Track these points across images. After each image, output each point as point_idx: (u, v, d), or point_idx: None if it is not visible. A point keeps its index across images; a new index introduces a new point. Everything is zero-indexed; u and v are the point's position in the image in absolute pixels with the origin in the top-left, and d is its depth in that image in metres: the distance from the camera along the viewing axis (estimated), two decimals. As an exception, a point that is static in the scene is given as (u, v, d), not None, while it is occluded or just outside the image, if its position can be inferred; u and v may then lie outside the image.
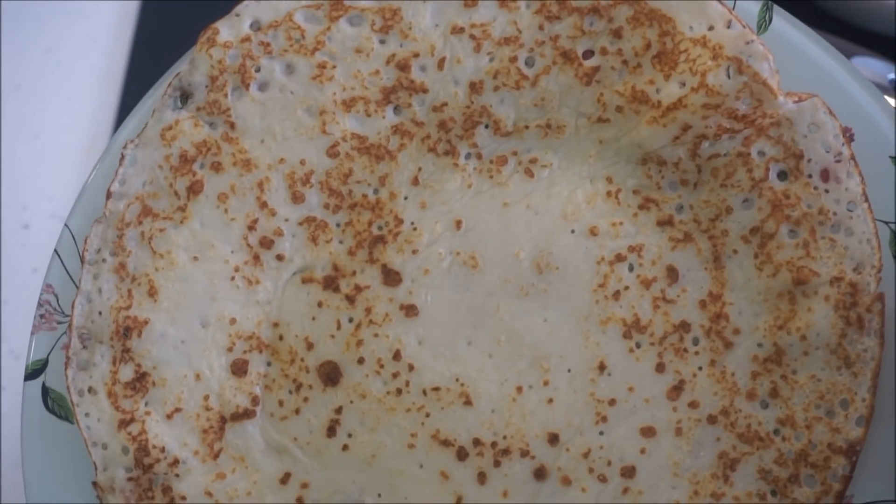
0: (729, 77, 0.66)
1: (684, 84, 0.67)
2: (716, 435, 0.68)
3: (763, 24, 0.69)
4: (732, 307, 0.68)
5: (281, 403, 0.72)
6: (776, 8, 0.69)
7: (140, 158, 0.71)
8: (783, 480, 0.67)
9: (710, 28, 0.67)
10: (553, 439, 0.69)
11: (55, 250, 0.72)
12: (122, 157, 0.71)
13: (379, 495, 0.71)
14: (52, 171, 1.05)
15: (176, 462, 0.70)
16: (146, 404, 0.71)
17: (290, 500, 0.71)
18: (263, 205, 0.72)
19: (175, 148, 0.71)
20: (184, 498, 0.70)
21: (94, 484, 0.70)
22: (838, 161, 0.66)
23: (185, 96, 0.72)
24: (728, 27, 0.67)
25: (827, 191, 0.66)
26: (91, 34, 1.17)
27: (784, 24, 0.69)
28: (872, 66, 0.89)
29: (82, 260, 0.70)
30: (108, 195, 0.70)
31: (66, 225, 0.72)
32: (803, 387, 0.66)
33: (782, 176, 0.67)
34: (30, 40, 1.16)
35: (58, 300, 0.73)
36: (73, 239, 0.72)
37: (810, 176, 0.66)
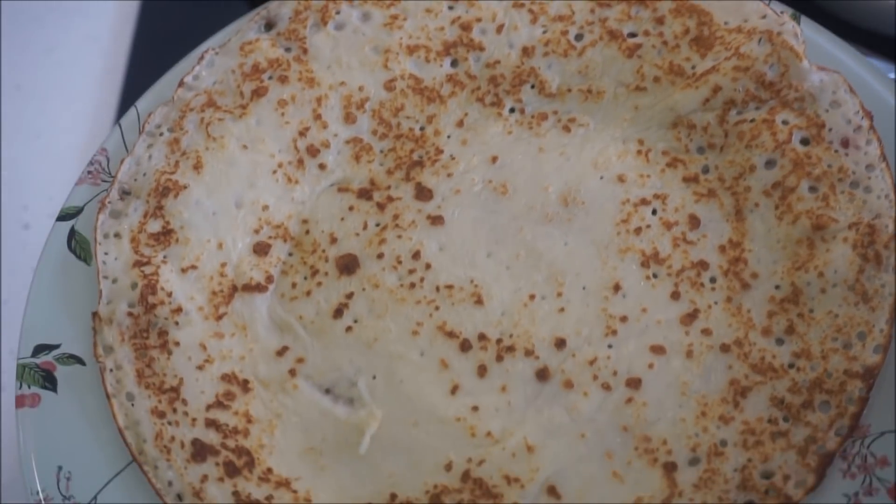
0: (760, 45, 0.76)
1: (718, 59, 0.78)
2: (728, 363, 0.69)
3: (792, 27, 0.80)
4: (752, 254, 0.72)
5: (294, 286, 0.75)
6: (803, 17, 0.81)
7: (217, 62, 0.82)
8: (796, 406, 0.66)
9: (745, 20, 0.79)
10: (560, 344, 0.70)
11: (118, 123, 0.80)
12: (202, 58, 0.81)
13: (374, 377, 0.71)
14: (52, 171, 1.05)
15: (179, 310, 0.72)
16: (164, 256, 0.74)
17: (283, 372, 0.72)
18: (318, 117, 0.80)
19: (250, 59, 0.81)
20: (177, 343, 0.71)
21: (94, 314, 0.72)
22: (857, 132, 0.74)
23: (269, 25, 0.84)
24: (762, 19, 0.78)
25: (847, 154, 0.73)
26: (91, 34, 1.22)
27: (810, 29, 0.80)
28: (873, 66, 0.95)
29: (141, 131, 0.78)
30: (181, 84, 0.80)
31: (134, 105, 0.81)
32: (820, 322, 0.68)
33: (805, 142, 0.74)
34: (30, 40, 1.22)
35: (108, 163, 0.79)
36: (138, 117, 0.81)
37: (831, 142, 0.74)
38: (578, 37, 0.81)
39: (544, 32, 0.82)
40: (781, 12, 0.78)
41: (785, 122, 0.75)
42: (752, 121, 0.75)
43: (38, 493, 0.68)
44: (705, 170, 0.76)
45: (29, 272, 1.03)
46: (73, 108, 1.18)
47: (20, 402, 0.71)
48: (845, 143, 0.74)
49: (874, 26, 1.01)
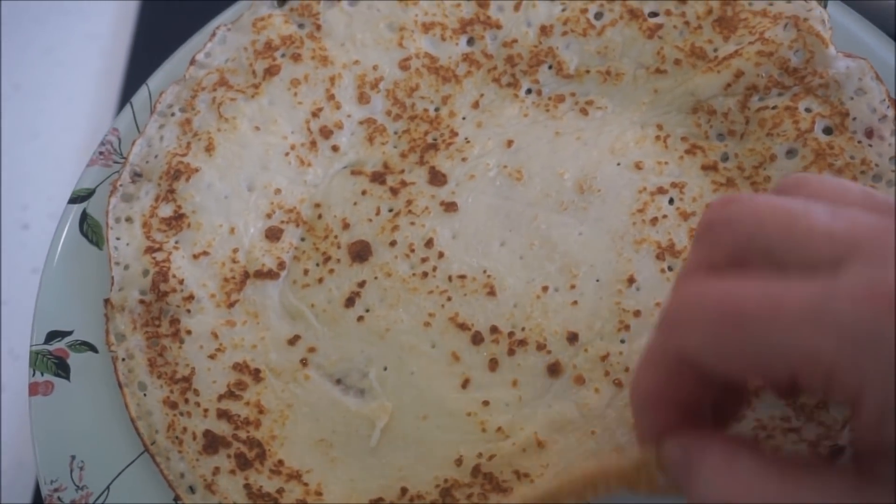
0: (785, 30, 0.74)
1: (741, 43, 0.76)
2: (740, 360, 0.68)
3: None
4: (769, 247, 0.71)
5: (306, 272, 0.75)
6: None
7: (229, 39, 0.80)
8: (810, 407, 0.66)
9: (771, 3, 0.76)
10: (572, 338, 0.70)
11: (130, 102, 0.79)
12: (214, 35, 0.80)
13: (385, 368, 0.71)
14: (52, 171, 1.04)
15: (191, 297, 0.72)
16: (176, 242, 0.74)
17: (294, 361, 0.72)
18: (331, 97, 0.79)
19: (263, 36, 0.80)
20: (189, 332, 0.71)
21: (106, 301, 0.72)
22: (883, 121, 0.72)
23: (282, 1, 0.82)
24: (789, 2, 0.76)
25: (871, 145, 0.72)
26: (91, 34, 1.21)
27: (838, 10, 0.78)
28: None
29: (152, 111, 0.78)
30: (192, 61, 0.79)
31: (146, 84, 0.80)
32: (835, 321, 0.68)
33: (827, 131, 0.73)
34: (30, 40, 1.20)
35: (120, 143, 0.78)
36: (150, 96, 0.80)
37: (854, 132, 0.72)
38: (598, 15, 0.79)
39: (563, 10, 0.80)
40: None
41: (808, 110, 0.73)
42: (775, 108, 0.74)
43: (51, 482, 0.68)
44: (724, 158, 0.75)
45: (28, 272, 1.03)
46: (72, 107, 1.17)
47: (33, 389, 0.71)
48: (869, 134, 0.72)
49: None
